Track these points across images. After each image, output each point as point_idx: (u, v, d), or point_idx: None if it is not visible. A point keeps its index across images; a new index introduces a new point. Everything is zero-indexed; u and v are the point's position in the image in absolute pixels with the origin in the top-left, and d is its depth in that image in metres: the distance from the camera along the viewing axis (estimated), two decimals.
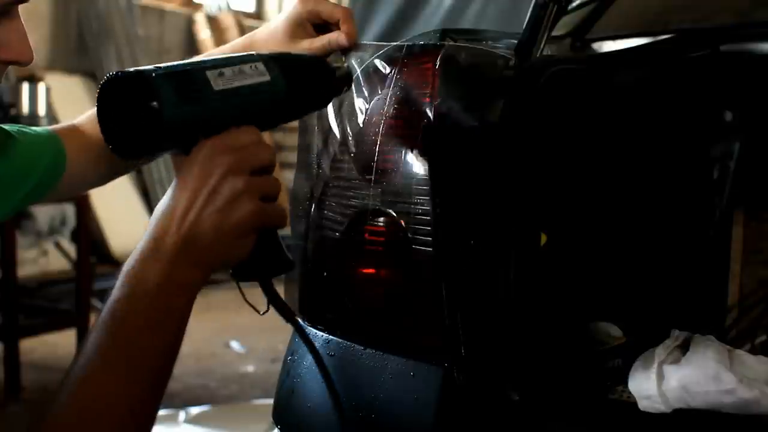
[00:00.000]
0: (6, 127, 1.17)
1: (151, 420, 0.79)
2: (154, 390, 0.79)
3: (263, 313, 0.91)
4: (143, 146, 0.82)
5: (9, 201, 1.16)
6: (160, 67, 0.81)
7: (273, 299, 0.91)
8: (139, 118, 0.79)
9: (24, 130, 1.19)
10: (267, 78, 0.87)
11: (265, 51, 1.11)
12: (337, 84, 1.01)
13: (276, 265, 0.90)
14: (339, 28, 1.15)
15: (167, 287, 0.79)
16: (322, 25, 1.17)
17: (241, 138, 0.84)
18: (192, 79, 0.82)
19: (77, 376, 0.77)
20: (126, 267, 0.80)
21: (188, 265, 0.80)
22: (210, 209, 0.80)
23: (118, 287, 0.79)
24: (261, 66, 0.88)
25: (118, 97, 0.81)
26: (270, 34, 1.18)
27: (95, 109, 1.23)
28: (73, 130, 1.25)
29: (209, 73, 0.83)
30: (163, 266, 0.79)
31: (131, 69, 0.81)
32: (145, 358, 0.79)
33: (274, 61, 0.89)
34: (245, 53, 0.90)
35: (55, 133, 1.23)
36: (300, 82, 0.92)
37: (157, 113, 0.78)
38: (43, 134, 1.21)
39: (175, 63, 0.84)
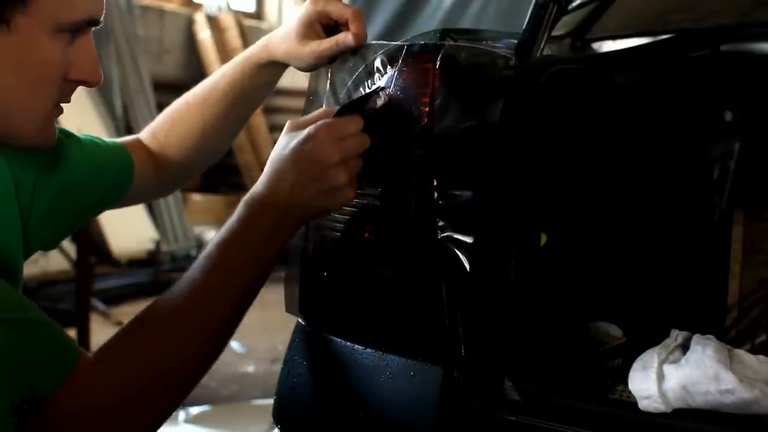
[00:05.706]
0: (81, 136, 1.17)
1: (238, 322, 1.04)
2: (248, 299, 1.02)
3: None
4: None
5: (76, 209, 1.16)
6: None
7: None
8: None
9: (96, 140, 1.19)
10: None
11: (278, 53, 1.15)
12: None
13: None
14: (348, 29, 1.15)
15: (275, 230, 1.02)
16: (332, 27, 1.17)
17: (349, 127, 1.04)
18: None
19: (193, 277, 0.98)
20: (245, 205, 1.02)
21: (292, 219, 1.04)
22: (317, 191, 1.02)
23: (237, 218, 1.01)
24: None
25: None
26: (283, 36, 1.19)
27: (154, 122, 1.27)
28: (137, 144, 1.26)
29: None
30: (274, 216, 1.02)
31: None
32: (247, 276, 1.01)
33: None
34: None
35: (124, 145, 1.23)
36: None
37: None
38: (113, 146, 1.22)
39: None
